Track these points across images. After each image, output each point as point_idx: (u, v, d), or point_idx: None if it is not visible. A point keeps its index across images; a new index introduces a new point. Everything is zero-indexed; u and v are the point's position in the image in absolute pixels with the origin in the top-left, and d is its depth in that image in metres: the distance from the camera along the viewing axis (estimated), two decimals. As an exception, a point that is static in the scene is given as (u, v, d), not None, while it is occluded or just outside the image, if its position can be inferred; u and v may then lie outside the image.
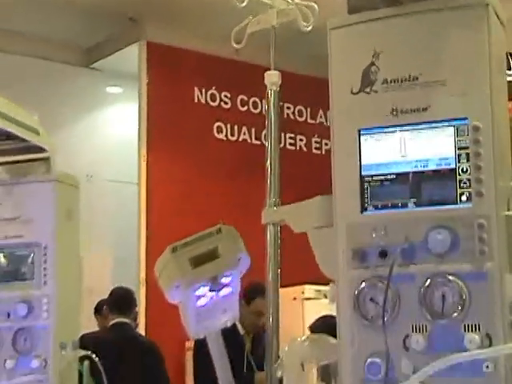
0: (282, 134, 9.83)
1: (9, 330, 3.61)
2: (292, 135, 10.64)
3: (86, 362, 3.70)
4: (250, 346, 6.72)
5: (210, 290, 1.82)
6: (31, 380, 3.51)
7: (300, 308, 9.30)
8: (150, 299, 8.92)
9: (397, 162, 2.39)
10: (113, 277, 8.23)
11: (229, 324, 1.94)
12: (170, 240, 1.93)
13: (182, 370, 8.64)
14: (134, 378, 6.15)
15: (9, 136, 3.67)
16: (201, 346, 6.39)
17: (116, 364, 3.73)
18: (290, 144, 10.57)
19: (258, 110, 10.45)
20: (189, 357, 8.52)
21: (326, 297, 7.60)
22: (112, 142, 10.40)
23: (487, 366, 2.20)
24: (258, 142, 10.12)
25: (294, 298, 9.20)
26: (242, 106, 10.70)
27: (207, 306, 1.84)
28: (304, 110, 11.00)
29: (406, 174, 2.38)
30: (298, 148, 10.72)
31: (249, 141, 10.49)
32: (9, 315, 3.62)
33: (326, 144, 10.51)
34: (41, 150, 3.79)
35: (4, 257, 3.70)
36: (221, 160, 9.89)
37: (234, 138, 10.47)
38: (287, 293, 7.78)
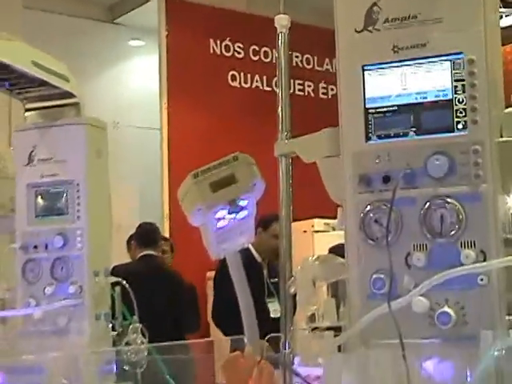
0: (292, 81, 9.85)
1: (47, 260, 3.64)
2: (301, 82, 10.65)
3: (118, 288, 3.73)
4: (267, 272, 6.78)
5: (229, 213, 1.82)
6: (69, 304, 3.54)
7: (310, 240, 9.33)
8: (174, 233, 9.00)
9: (398, 94, 2.40)
10: (139, 214, 8.26)
11: (246, 245, 1.94)
12: None
13: (204, 298, 8.70)
14: (160, 305, 6.20)
15: (41, 83, 3.68)
16: (222, 275, 6.52)
17: (144, 292, 3.75)
18: (299, 90, 10.58)
19: (269, 59, 10.47)
20: (209, 286, 8.61)
21: (334, 229, 7.66)
22: (135, 91, 10.43)
23: (481, 279, 2.22)
24: (269, 89, 10.16)
25: (305, 231, 9.24)
26: (254, 55, 10.74)
27: (226, 228, 1.85)
28: (311, 58, 11.01)
29: (407, 105, 2.38)
30: (306, 93, 10.72)
31: (261, 87, 10.53)
32: (47, 247, 3.65)
33: (332, 89, 10.51)
34: (71, 95, 3.80)
35: (41, 194, 3.72)
36: (235, 106, 9.90)
37: (247, 86, 10.48)
38: (298, 226, 7.81)
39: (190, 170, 1.88)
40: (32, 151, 3.75)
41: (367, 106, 2.42)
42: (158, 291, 6.26)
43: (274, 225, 6.18)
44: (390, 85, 2.41)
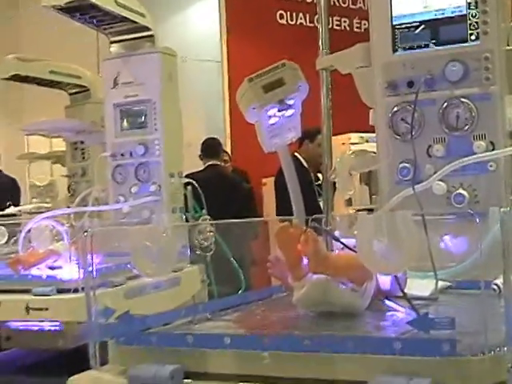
0: (330, 18, 9.80)
1: (132, 165, 3.69)
2: (338, 18, 10.51)
3: (189, 187, 3.75)
4: (314, 176, 6.78)
5: (279, 111, 1.80)
6: (150, 200, 3.58)
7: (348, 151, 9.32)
8: (234, 149, 9.04)
9: (420, 12, 2.35)
10: (206, 134, 8.25)
11: (294, 140, 1.92)
12: None
13: (261, 201, 8.73)
14: (222, 203, 6.22)
15: (123, 19, 3.69)
16: (280, 184, 6.57)
17: (209, 193, 3.76)
18: (337, 25, 10.45)
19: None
20: (264, 190, 8.65)
21: (367, 141, 7.58)
22: (199, 30, 10.34)
23: (491, 166, 2.20)
24: (312, 25, 10.08)
25: (343, 143, 9.16)
26: None
27: (277, 125, 1.83)
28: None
29: (428, 21, 2.33)
30: (342, 28, 10.60)
31: (304, 24, 10.44)
32: (131, 154, 3.69)
33: (365, 24, 10.42)
34: (147, 29, 3.80)
35: (125, 112, 3.74)
36: (283, 40, 9.83)
37: (293, 22, 10.42)
38: (336, 140, 7.76)
39: None
40: (116, 77, 3.77)
41: (394, 23, 2.37)
42: (221, 193, 6.29)
43: (319, 136, 6.18)
44: (413, 4, 2.35)
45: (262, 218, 6.35)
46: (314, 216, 1.98)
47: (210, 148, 7.30)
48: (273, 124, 1.84)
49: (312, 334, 1.44)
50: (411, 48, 2.36)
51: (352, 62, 2.44)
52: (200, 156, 7.33)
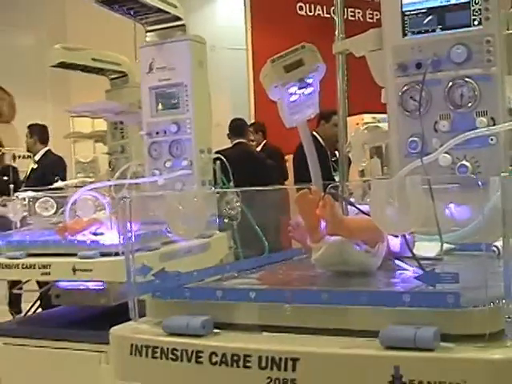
0: (345, 9, 9.84)
1: (166, 142, 3.68)
2: (352, 9, 10.48)
3: (218, 162, 3.75)
4: (330, 153, 6.77)
5: (299, 89, 1.79)
6: (183, 173, 3.58)
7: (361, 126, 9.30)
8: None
9: (427, 0, 2.33)
10: (233, 115, 8.25)
11: (312, 115, 1.91)
12: None
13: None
14: (248, 177, 6.22)
15: (157, 10, 3.68)
16: (300, 157, 6.59)
17: (237, 168, 3.77)
18: (351, 16, 10.43)
19: (327, -7, 10.40)
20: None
21: (379, 121, 7.53)
22: (226, 21, 10.32)
23: (491, 139, 2.18)
24: (328, 16, 10.08)
25: (357, 124, 9.12)
26: None
27: (297, 102, 1.82)
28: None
29: (434, 8, 2.31)
30: (356, 18, 10.57)
31: (322, 15, 10.42)
32: (165, 132, 3.68)
33: (377, 15, 10.40)
34: (179, 19, 3.79)
35: (159, 94, 3.73)
36: (302, 29, 9.81)
37: (311, 14, 10.41)
38: (351, 120, 7.73)
39: None
40: (152, 62, 3.76)
41: (403, 10, 2.35)
42: (247, 168, 6.29)
43: (334, 116, 6.19)
44: (421, -8, 2.34)
45: (282, 187, 6.35)
46: (330, 184, 1.97)
47: (237, 128, 7.33)
48: (293, 101, 1.83)
49: (330, 288, 1.44)
50: (419, 32, 2.34)
51: (365, 46, 2.42)
52: (228, 135, 7.33)
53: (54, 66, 4.58)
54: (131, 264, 1.59)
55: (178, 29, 3.80)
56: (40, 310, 5.15)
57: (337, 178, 6.60)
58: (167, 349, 1.39)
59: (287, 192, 2.61)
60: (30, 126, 7.50)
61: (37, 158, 7.37)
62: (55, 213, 4.02)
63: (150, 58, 3.77)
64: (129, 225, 1.65)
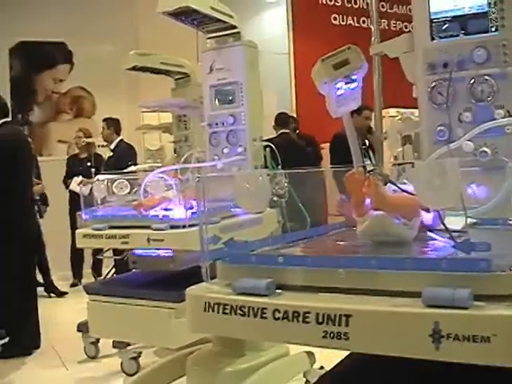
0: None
1: (224, 132, 3.69)
2: (379, 20, 10.45)
3: (268, 149, 3.73)
4: (361, 141, 6.74)
5: (345, 84, 1.76)
6: (238, 159, 3.57)
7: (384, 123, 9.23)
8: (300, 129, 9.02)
9: (452, 9, 2.29)
10: (277, 109, 8.22)
11: (355, 107, 1.87)
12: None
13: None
14: (292, 161, 6.20)
15: (216, 20, 3.67)
16: (336, 145, 6.60)
17: (281, 154, 3.75)
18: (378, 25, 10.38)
19: (357, 6, 10.29)
20: (323, 153, 8.58)
21: (402, 115, 7.42)
22: (271, 30, 10.30)
23: (508, 129, 2.14)
24: (358, 25, 10.05)
25: (383, 116, 9.05)
26: (348, 3, 10.57)
27: (343, 96, 1.78)
28: (385, 4, 10.74)
29: (458, 16, 2.28)
30: (382, 27, 10.49)
31: (352, 24, 10.37)
32: (223, 123, 3.68)
33: (399, 24, 10.37)
34: (234, 27, 3.77)
35: (219, 91, 3.72)
36: (336, 36, 9.76)
37: (344, 23, 10.36)
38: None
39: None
40: (212, 64, 3.75)
41: (432, 17, 2.32)
42: (290, 154, 6.26)
43: (364, 110, 6.17)
44: (447, 3, 2.30)
45: (322, 169, 6.32)
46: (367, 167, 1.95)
47: (281, 120, 7.34)
48: (340, 95, 1.80)
49: (377, 255, 1.42)
50: (445, 37, 2.30)
51: (399, 48, 2.39)
52: (273, 126, 7.32)
53: (129, 69, 4.60)
54: (204, 233, 1.58)
55: (234, 36, 3.79)
56: (115, 274, 5.23)
57: (367, 163, 6.61)
58: (236, 306, 1.39)
59: (325, 174, 2.59)
60: (105, 120, 7.57)
61: (112, 146, 7.43)
62: (129, 192, 4.05)
63: (210, 60, 3.77)
64: (201, 198, 1.64)
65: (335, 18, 10.42)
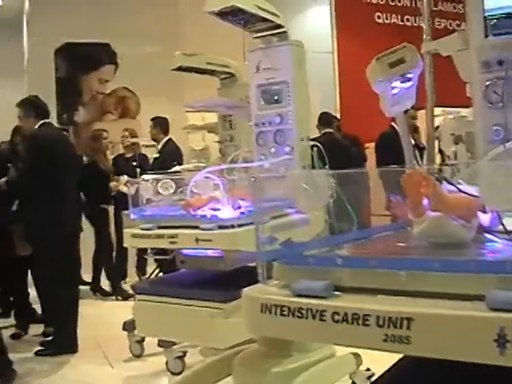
0: (416, 18, 9.86)
1: (271, 131, 3.68)
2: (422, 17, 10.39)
3: (315, 149, 3.71)
4: None
5: (401, 82, 1.74)
6: (286, 158, 3.56)
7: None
8: (342, 120, 8.95)
9: (507, 6, 2.24)
10: (321, 108, 8.18)
11: (409, 106, 1.85)
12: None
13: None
14: (336, 160, 6.18)
15: (262, 20, 3.67)
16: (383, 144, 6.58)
17: (326, 154, 3.73)
18: (421, 22, 10.29)
19: (401, 4, 10.23)
20: (367, 152, 8.51)
21: (448, 114, 7.33)
22: (315, 28, 10.26)
23: None
24: (402, 23, 10.03)
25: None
26: (392, 1, 10.49)
27: (398, 94, 1.76)
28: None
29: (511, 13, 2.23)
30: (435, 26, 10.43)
31: (397, 23, 10.32)
32: (270, 123, 3.68)
33: (444, 22, 10.28)
34: (281, 26, 3.76)
35: (266, 90, 3.72)
36: (380, 35, 9.71)
37: (388, 22, 10.28)
38: (422, 113, 7.57)
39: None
40: (258, 64, 3.75)
41: (485, 15, 2.26)
42: (334, 153, 6.24)
43: (410, 109, 6.11)
44: (500, 1, 2.24)
45: (369, 169, 6.27)
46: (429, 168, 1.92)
47: (325, 119, 7.30)
48: (395, 94, 1.77)
49: (439, 257, 1.40)
50: (499, 34, 2.25)
51: (453, 46, 2.35)
52: (317, 126, 7.28)
53: (174, 70, 4.63)
54: (260, 233, 1.58)
55: (281, 35, 3.79)
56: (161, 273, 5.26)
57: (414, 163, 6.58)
58: (294, 308, 1.38)
59: (370, 174, 2.56)
60: (154, 119, 7.60)
61: (159, 146, 7.48)
62: (174, 192, 4.07)
63: (257, 60, 3.77)
64: (257, 198, 1.64)
65: (379, 17, 10.35)
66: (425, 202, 1.58)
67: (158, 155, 7.34)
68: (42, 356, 5.19)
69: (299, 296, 1.39)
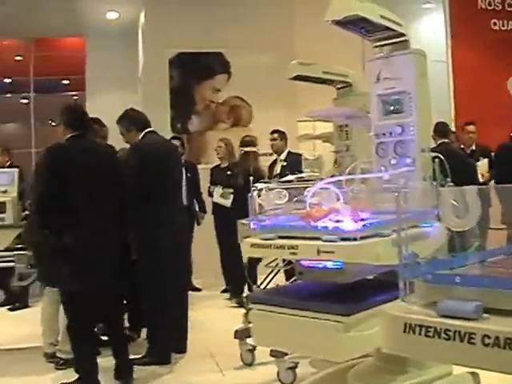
0: None
1: (391, 142, 3.62)
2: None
3: (437, 160, 3.62)
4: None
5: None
6: (407, 169, 3.49)
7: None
8: (457, 130, 8.76)
9: None
10: (435, 118, 8.06)
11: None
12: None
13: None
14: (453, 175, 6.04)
15: (385, 28, 3.62)
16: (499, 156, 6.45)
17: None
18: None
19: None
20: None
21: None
22: (428, 36, 10.10)
23: None
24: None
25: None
26: (509, 7, 10.19)
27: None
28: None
29: None
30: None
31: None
32: (391, 134, 3.62)
33: None
34: (403, 35, 3.70)
35: (386, 100, 3.67)
36: (496, 42, 9.50)
37: (504, 28, 9.99)
38: None
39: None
40: (379, 73, 3.71)
41: None
42: (450, 165, 6.09)
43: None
44: None
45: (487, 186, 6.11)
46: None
47: (441, 129, 7.15)
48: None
49: None
50: None
51: None
52: (432, 136, 7.13)
53: (291, 79, 4.64)
54: (403, 249, 1.54)
55: (402, 44, 3.72)
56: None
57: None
58: (440, 329, 1.34)
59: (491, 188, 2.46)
60: (277, 132, 7.78)
61: (283, 157, 7.63)
62: (289, 201, 4.06)
63: (377, 69, 3.72)
64: (403, 211, 1.60)
65: (495, 24, 10.05)
66: None
67: (284, 164, 7.49)
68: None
69: (446, 317, 1.35)
